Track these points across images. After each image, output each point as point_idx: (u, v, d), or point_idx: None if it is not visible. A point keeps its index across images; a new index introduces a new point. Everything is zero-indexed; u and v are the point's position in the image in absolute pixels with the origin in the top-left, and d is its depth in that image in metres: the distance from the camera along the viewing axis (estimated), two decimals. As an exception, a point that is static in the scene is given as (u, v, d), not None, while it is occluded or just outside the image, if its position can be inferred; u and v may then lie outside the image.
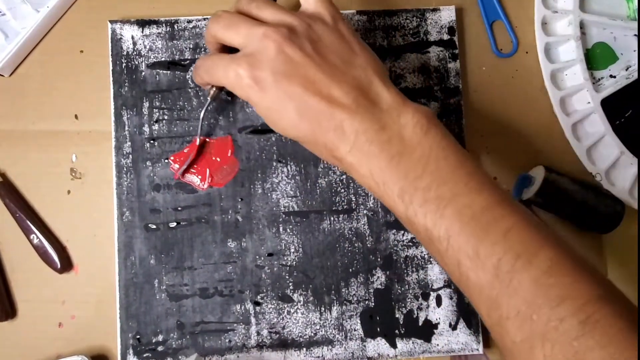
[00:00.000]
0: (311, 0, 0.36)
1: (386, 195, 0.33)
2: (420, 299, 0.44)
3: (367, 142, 0.32)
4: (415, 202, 0.31)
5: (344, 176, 0.45)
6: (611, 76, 0.48)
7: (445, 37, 0.46)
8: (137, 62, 0.45)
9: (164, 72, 0.45)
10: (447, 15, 0.46)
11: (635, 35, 0.48)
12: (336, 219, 0.44)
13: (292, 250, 0.44)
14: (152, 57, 0.45)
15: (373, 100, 0.33)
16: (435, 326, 0.44)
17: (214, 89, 0.40)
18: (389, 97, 0.34)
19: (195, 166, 0.44)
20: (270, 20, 0.35)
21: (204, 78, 0.38)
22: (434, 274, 0.44)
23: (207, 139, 0.44)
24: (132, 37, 0.45)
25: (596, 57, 0.48)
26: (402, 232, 0.44)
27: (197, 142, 0.43)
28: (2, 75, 0.45)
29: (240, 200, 0.44)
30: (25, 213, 0.44)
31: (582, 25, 0.47)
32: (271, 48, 0.33)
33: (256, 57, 0.33)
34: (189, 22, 0.45)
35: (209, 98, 0.41)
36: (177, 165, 0.44)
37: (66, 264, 0.44)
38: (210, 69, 0.36)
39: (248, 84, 0.33)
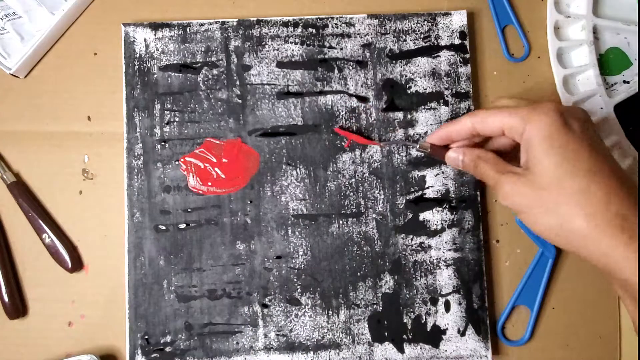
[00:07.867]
0: None
1: None
2: (428, 304, 0.44)
3: None
4: None
5: (353, 180, 0.44)
6: (625, 82, 0.47)
7: (457, 41, 0.46)
8: (149, 65, 0.45)
9: (176, 74, 0.45)
10: (458, 19, 0.46)
11: (649, 40, 0.47)
12: (345, 222, 0.44)
13: (301, 253, 0.44)
14: (164, 59, 0.45)
15: None
16: (444, 332, 0.44)
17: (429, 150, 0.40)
18: None
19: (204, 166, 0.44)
20: None
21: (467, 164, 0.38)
22: (443, 279, 0.44)
23: (218, 141, 0.45)
24: (145, 40, 0.45)
25: (609, 63, 0.47)
26: (411, 236, 0.44)
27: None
28: (17, 77, 0.46)
29: (249, 202, 0.44)
30: (38, 213, 0.44)
31: (595, 30, 0.47)
32: None
33: None
34: (201, 25, 0.45)
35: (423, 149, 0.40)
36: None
37: (77, 264, 0.44)
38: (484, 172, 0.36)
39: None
